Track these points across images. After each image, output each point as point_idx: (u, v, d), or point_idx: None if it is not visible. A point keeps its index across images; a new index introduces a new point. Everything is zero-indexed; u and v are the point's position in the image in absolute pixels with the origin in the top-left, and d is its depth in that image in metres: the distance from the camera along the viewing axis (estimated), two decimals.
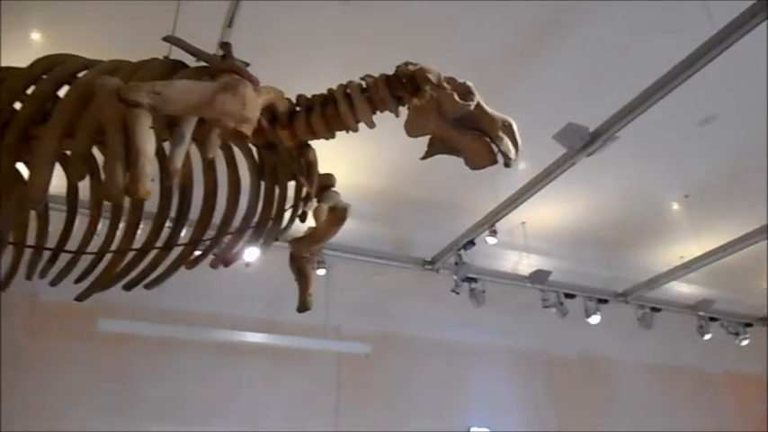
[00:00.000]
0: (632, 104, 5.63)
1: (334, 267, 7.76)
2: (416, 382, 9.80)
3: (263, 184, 2.53)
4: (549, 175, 6.64)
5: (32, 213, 2.44)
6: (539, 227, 8.39)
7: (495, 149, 2.18)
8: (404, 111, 2.33)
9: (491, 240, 7.69)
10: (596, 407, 10.75)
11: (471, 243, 7.97)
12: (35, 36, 4.91)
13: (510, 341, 10.64)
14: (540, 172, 6.72)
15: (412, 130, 2.25)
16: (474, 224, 7.81)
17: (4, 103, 2.25)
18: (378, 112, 2.35)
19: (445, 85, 2.17)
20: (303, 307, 2.54)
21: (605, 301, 9.33)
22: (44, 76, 2.30)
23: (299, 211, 2.37)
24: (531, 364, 10.85)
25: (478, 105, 2.19)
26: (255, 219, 2.52)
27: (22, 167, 2.35)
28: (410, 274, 8.72)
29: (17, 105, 2.28)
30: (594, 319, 9.08)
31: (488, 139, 2.19)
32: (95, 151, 2.25)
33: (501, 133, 2.18)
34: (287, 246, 2.63)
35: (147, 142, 1.71)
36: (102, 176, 1.81)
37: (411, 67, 2.25)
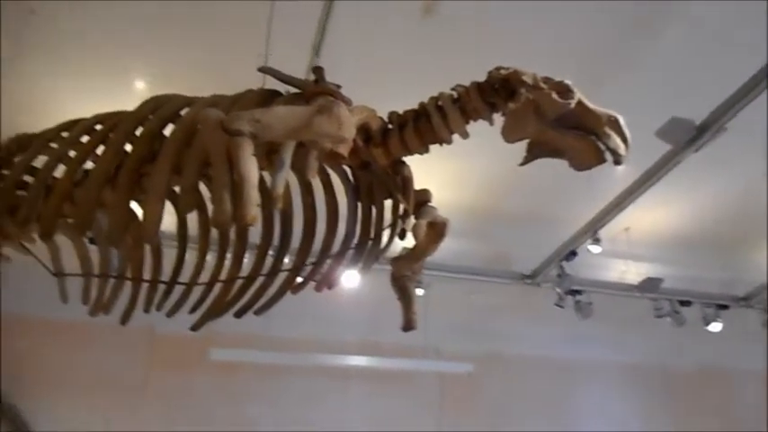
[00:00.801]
0: (741, 92, 5.27)
1: (431, 287, 7.69)
2: (523, 402, 9.46)
3: (359, 204, 2.53)
4: (653, 176, 6.28)
5: (147, 249, 2.56)
6: (644, 232, 7.90)
7: (602, 147, 2.06)
8: (497, 118, 2.27)
9: (595, 249, 7.34)
10: (720, 423, 9.93)
11: (573, 253, 7.67)
12: (139, 84, 5.29)
13: (621, 355, 10.07)
14: (642, 172, 6.37)
15: (510, 135, 2.18)
16: (575, 233, 7.52)
17: (118, 146, 2.38)
18: (471, 122, 2.30)
19: (542, 85, 2.10)
20: (408, 326, 2.49)
21: (726, 307, 8.68)
22: (150, 117, 2.42)
23: (398, 229, 2.35)
24: (645, 380, 10.21)
25: (580, 102, 2.09)
26: (355, 240, 2.51)
27: (135, 206, 2.48)
28: (510, 289, 8.51)
29: (128, 147, 2.41)
30: (715, 327, 8.44)
31: (593, 137, 2.08)
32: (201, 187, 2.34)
33: (607, 129, 2.06)
34: (381, 267, 2.61)
35: (251, 169, 1.75)
36: (210, 208, 1.86)
37: (503, 72, 2.20)
